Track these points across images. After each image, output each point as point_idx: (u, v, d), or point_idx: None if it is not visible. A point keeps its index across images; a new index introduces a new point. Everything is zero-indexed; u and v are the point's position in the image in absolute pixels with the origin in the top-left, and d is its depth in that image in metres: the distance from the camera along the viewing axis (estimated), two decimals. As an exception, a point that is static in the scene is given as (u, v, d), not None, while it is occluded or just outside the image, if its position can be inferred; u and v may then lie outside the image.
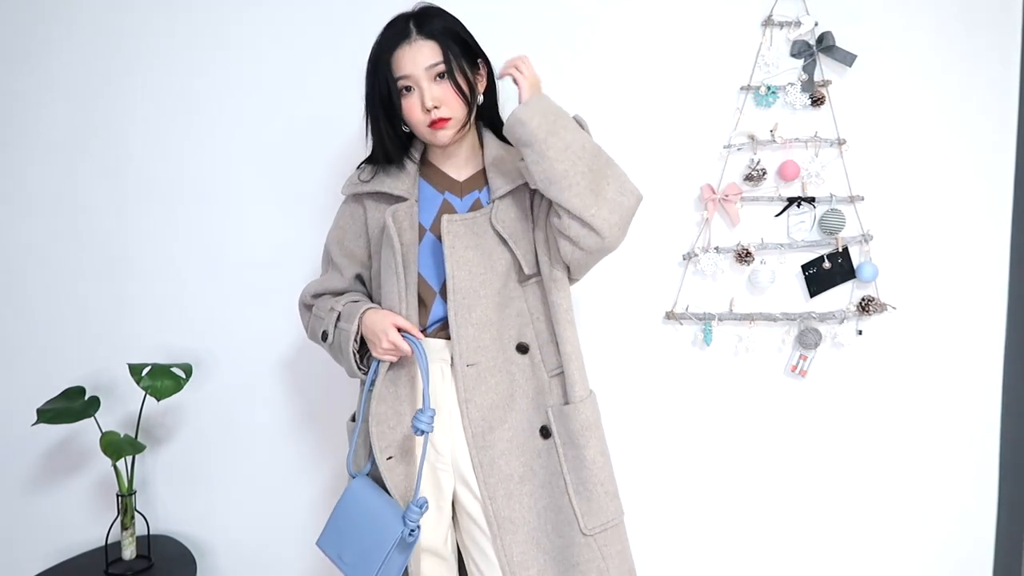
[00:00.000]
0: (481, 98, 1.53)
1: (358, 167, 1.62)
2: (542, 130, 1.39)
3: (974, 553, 2.01)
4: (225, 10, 2.03)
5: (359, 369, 1.54)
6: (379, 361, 1.51)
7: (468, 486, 1.52)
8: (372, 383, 1.53)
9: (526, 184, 1.52)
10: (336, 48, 2.01)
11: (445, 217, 1.49)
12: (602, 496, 1.50)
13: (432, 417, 1.43)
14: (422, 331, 1.52)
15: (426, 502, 1.44)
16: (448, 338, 1.52)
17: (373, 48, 1.48)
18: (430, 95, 1.43)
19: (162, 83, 2.05)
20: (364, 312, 1.52)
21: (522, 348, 1.53)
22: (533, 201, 1.55)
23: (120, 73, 2.06)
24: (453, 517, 1.59)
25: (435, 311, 1.53)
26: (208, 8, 2.03)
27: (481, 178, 1.57)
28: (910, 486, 2.01)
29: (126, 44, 2.05)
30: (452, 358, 1.50)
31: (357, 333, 1.51)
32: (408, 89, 1.46)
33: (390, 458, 1.51)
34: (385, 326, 1.47)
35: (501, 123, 1.56)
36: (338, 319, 1.55)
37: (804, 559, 2.06)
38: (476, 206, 1.54)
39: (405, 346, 1.46)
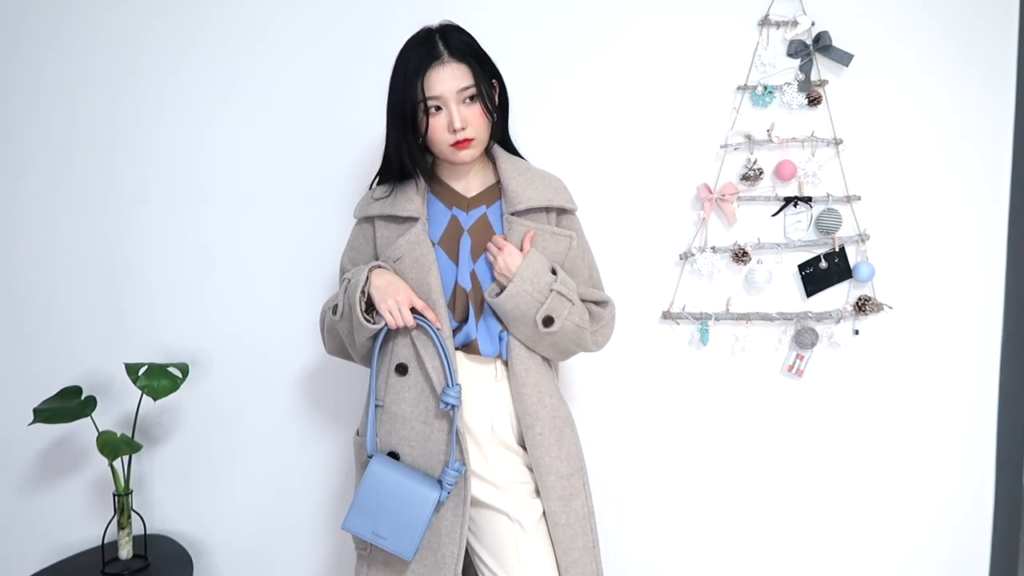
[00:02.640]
0: (494, 116, 1.54)
1: (370, 187, 1.63)
2: (530, 338, 1.54)
3: (971, 553, 2.01)
4: (229, 14, 2.02)
5: (366, 320, 1.51)
6: (383, 333, 1.54)
7: (494, 508, 1.54)
8: (377, 370, 1.57)
9: (547, 209, 1.56)
10: (338, 51, 2.01)
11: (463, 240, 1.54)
12: None
13: (459, 392, 1.48)
14: None
15: (463, 465, 1.49)
16: (455, 349, 1.55)
17: (400, 63, 1.48)
18: (459, 116, 1.45)
19: (162, 85, 2.05)
20: (374, 267, 1.54)
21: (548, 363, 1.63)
22: (559, 222, 1.58)
23: (119, 75, 2.05)
24: None
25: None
26: (211, 10, 2.02)
27: (490, 193, 1.59)
28: (907, 485, 2.01)
29: (127, 44, 2.04)
30: (508, 378, 1.55)
31: (366, 283, 1.51)
32: (436, 109, 1.47)
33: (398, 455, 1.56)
34: (402, 295, 1.49)
35: (509, 139, 1.63)
36: (348, 283, 1.55)
37: (801, 558, 2.06)
38: (482, 221, 1.56)
39: (411, 320, 1.49)
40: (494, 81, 1.54)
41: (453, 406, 1.48)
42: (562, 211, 1.58)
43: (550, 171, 1.62)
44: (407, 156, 1.52)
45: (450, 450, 1.50)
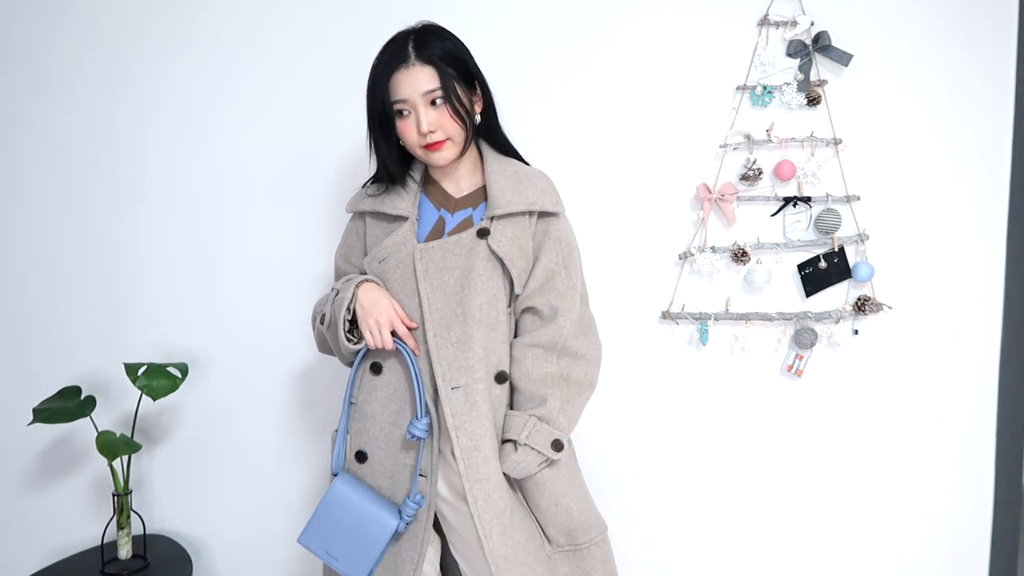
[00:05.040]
0: (478, 119, 1.53)
1: (364, 185, 1.63)
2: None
3: (971, 553, 2.01)
4: (226, 14, 2.02)
5: (348, 339, 1.52)
6: (366, 349, 1.52)
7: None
8: (357, 366, 1.56)
9: (529, 213, 1.52)
10: (336, 51, 2.01)
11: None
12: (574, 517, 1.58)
13: (428, 425, 1.47)
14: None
15: (423, 497, 1.47)
16: None
17: (373, 67, 1.48)
18: (426, 119, 1.44)
19: (160, 85, 2.05)
20: (362, 282, 1.52)
21: (500, 377, 1.53)
22: (536, 231, 1.54)
23: (119, 75, 2.05)
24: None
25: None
26: (209, 11, 2.03)
27: (479, 195, 1.56)
28: (906, 485, 2.01)
29: (126, 46, 2.05)
30: (435, 382, 1.48)
31: (352, 299, 1.51)
32: (405, 112, 1.46)
33: (366, 458, 1.54)
34: (384, 316, 1.47)
35: (501, 137, 1.60)
36: (336, 295, 1.55)
37: (801, 559, 2.06)
38: (466, 223, 1.54)
39: (390, 343, 1.48)
40: (477, 84, 1.51)
41: (420, 439, 1.46)
42: (544, 213, 1.55)
43: (543, 170, 1.61)
44: (389, 162, 1.52)
45: (413, 479, 1.49)
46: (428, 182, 1.60)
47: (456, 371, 1.47)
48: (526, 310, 1.56)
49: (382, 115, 1.47)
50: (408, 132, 1.47)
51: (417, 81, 1.43)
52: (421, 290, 1.48)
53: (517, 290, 1.53)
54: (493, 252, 1.49)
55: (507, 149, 1.61)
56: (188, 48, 2.04)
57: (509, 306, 1.55)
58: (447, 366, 1.47)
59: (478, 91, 1.52)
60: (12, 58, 2.06)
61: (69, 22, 2.04)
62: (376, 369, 1.54)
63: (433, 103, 1.44)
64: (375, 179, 1.60)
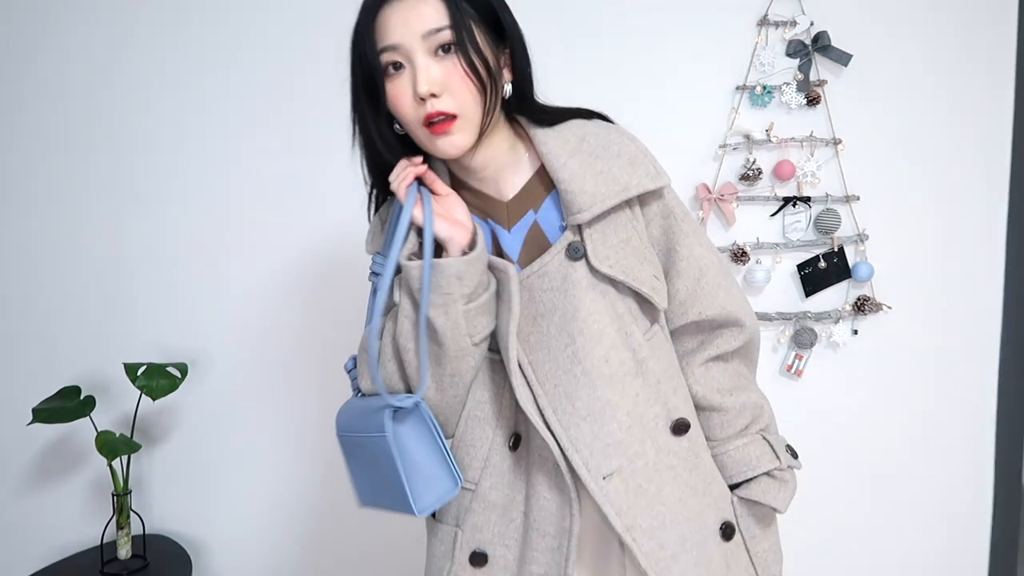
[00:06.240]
0: (508, 89, 1.05)
1: (376, 211, 1.16)
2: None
3: (970, 552, 2.01)
4: (227, 13, 2.02)
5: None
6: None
7: None
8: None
9: (627, 202, 1.07)
10: (337, 51, 2.01)
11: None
12: None
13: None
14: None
15: (416, 398, 1.05)
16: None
17: (359, 11, 1.03)
18: (426, 76, 0.95)
19: (160, 84, 2.05)
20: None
21: (679, 428, 1.09)
22: (650, 220, 1.10)
23: (117, 74, 2.05)
24: None
25: None
26: (210, 10, 2.02)
27: (536, 187, 1.08)
28: (906, 485, 2.01)
29: (126, 45, 2.04)
30: (574, 474, 1.04)
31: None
32: (396, 67, 0.98)
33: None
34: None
35: (537, 108, 1.11)
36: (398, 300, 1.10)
37: (801, 558, 2.06)
38: (535, 232, 1.06)
39: (401, 190, 1.02)
40: (507, 40, 1.05)
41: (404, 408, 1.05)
42: (649, 193, 1.08)
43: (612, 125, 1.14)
44: (384, 150, 1.04)
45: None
46: (457, 184, 1.10)
47: (601, 454, 1.03)
48: (688, 324, 1.14)
49: (368, 78, 1.00)
50: (401, 99, 0.97)
51: (413, 15, 0.95)
52: (512, 353, 1.02)
53: (660, 306, 1.09)
54: (603, 274, 1.04)
55: (542, 110, 1.11)
56: (190, 45, 2.04)
57: (652, 326, 1.11)
58: (587, 450, 1.02)
59: (507, 50, 1.05)
60: (10, 57, 2.06)
61: (70, 20, 2.04)
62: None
63: (438, 52, 0.96)
64: (374, 191, 1.13)
